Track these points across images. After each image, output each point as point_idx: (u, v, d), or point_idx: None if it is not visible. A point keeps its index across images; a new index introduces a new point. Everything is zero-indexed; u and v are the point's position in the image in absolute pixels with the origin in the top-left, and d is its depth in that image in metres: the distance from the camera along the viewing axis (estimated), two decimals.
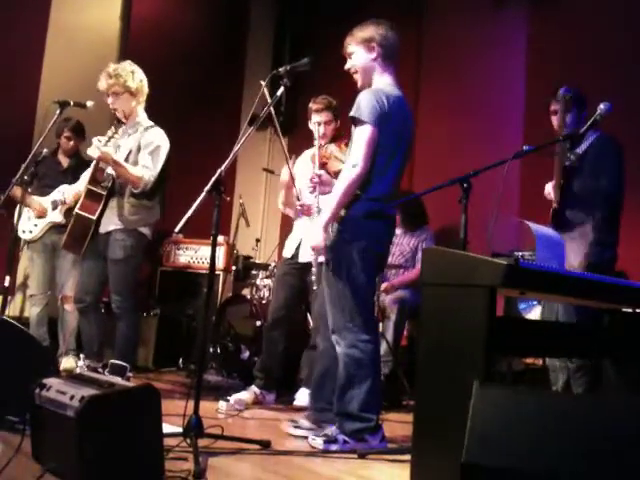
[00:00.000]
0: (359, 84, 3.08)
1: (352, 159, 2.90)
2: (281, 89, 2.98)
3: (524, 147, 2.56)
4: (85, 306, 3.88)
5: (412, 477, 2.18)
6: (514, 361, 3.98)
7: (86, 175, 4.03)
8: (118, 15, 6.12)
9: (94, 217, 3.82)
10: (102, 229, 3.85)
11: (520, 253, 3.33)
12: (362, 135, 2.89)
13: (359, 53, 3.03)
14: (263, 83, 3.19)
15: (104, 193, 3.85)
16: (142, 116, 3.99)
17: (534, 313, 3.83)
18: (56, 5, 5.77)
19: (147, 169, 3.80)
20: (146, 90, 3.98)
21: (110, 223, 3.83)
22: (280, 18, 7.00)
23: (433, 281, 2.16)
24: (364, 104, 2.90)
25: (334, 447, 2.81)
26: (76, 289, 4.03)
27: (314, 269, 3.43)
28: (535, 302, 3.81)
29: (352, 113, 2.92)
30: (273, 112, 3.57)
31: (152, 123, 3.94)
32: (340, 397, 2.90)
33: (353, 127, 2.96)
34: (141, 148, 3.85)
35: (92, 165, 3.89)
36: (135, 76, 3.92)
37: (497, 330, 2.04)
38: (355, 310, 2.88)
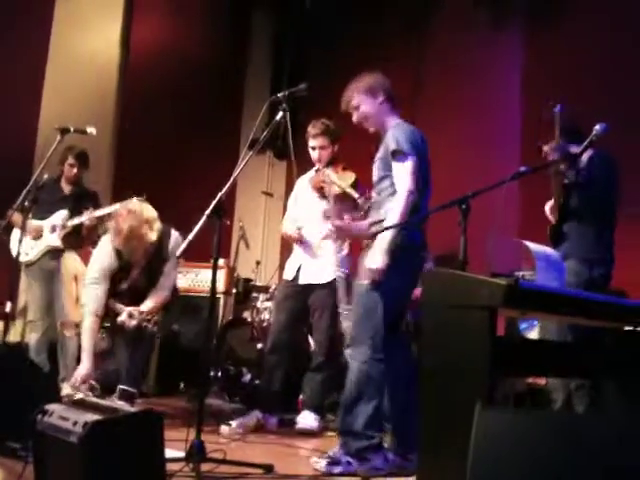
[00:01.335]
0: (372, 130, 3.19)
1: (404, 187, 2.96)
2: (280, 114, 3.02)
3: (521, 168, 2.58)
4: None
5: None
6: (516, 382, 3.96)
7: None
8: (118, 41, 6.18)
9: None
10: None
11: (521, 273, 3.34)
12: (407, 167, 2.98)
13: (366, 101, 3.14)
14: (263, 109, 3.24)
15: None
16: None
17: (535, 333, 3.83)
18: (56, 31, 5.83)
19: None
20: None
21: None
22: (278, 41, 7.08)
23: (434, 302, 2.17)
24: (402, 137, 3.01)
25: (337, 469, 2.80)
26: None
27: (340, 287, 3.50)
28: (536, 322, 3.80)
29: (393, 147, 3.01)
30: (290, 138, 3.66)
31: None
32: (346, 414, 2.90)
33: (392, 160, 3.03)
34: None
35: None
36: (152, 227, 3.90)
37: (498, 351, 2.04)
38: (379, 329, 2.93)
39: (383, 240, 2.96)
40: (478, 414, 1.74)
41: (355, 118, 3.18)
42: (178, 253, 2.86)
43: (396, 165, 3.03)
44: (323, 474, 2.79)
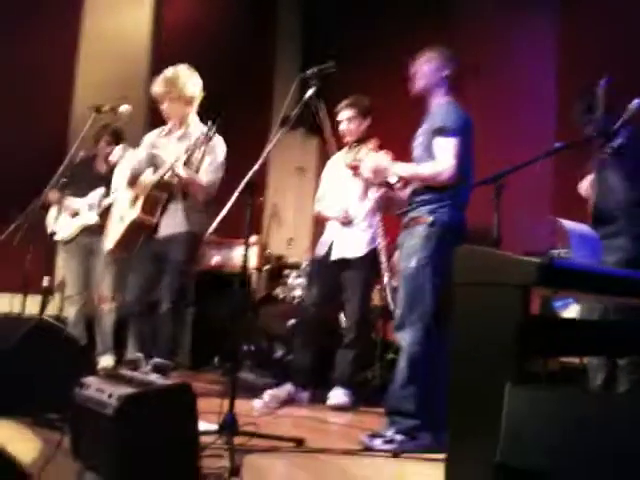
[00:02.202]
0: (414, 91, 3.19)
1: (444, 162, 2.97)
2: (310, 90, 3.01)
3: (556, 144, 2.53)
4: (145, 307, 3.96)
5: (446, 477, 2.18)
6: (549, 360, 3.93)
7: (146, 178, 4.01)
8: (148, 21, 6.21)
9: (155, 220, 3.90)
10: (161, 233, 3.92)
11: (555, 251, 3.29)
12: (451, 145, 2.98)
13: (432, 65, 3.16)
14: (293, 86, 3.23)
15: (164, 197, 3.91)
16: (195, 121, 4.04)
17: (570, 311, 3.78)
18: (88, 12, 5.88)
19: (210, 179, 3.88)
20: (200, 95, 4.02)
21: (169, 227, 3.90)
22: (308, 19, 7.03)
23: (465, 280, 2.15)
24: (451, 117, 3.03)
25: (377, 442, 2.81)
26: (134, 292, 4.06)
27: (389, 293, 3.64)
28: (571, 300, 3.75)
29: (439, 124, 3.01)
30: (323, 112, 3.64)
31: (205, 129, 3.82)
32: (396, 394, 2.92)
33: (436, 136, 3.03)
34: (204, 156, 3.87)
35: (159, 172, 3.89)
36: (192, 82, 3.98)
37: (531, 330, 2.03)
38: (427, 311, 2.93)
39: (404, 168, 3.10)
40: (508, 393, 1.73)
41: (413, 87, 3.18)
42: (210, 230, 2.88)
43: (439, 140, 3.00)
44: (362, 445, 2.81)
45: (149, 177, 3.96)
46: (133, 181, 4.07)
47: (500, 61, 5.21)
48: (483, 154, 3.17)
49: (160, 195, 3.90)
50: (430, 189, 3.05)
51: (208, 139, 3.66)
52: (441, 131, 3.01)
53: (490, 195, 2.50)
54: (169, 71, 3.99)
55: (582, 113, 3.20)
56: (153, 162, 4.00)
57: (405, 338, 2.97)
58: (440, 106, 3.11)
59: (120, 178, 4.33)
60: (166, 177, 3.86)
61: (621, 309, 3.07)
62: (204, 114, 3.73)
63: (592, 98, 3.13)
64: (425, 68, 3.17)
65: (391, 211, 3.62)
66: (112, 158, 4.53)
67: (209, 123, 3.63)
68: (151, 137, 4.11)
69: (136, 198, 3.96)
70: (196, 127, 3.99)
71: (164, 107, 4.00)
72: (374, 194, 3.74)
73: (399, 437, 2.82)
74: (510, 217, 2.64)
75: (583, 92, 3.24)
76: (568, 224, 2.32)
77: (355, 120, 4.04)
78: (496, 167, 2.57)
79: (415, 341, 2.93)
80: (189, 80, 3.98)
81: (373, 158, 3.29)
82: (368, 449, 2.81)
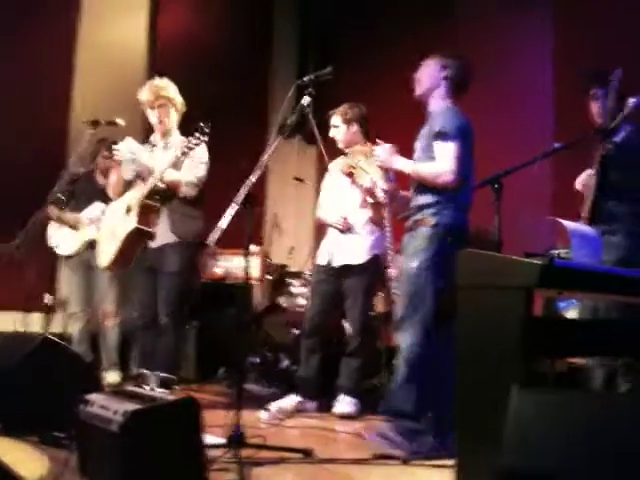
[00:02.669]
0: (416, 94, 3.22)
1: (444, 165, 2.99)
2: (306, 98, 3.02)
3: (555, 145, 2.53)
4: (148, 321, 3.94)
5: None
6: (556, 362, 3.91)
7: (135, 191, 4.00)
8: (145, 28, 6.23)
9: (152, 229, 3.87)
10: (154, 243, 3.90)
11: (556, 251, 3.29)
12: (450, 149, 3.00)
13: (431, 67, 3.18)
14: (289, 94, 3.23)
15: (159, 205, 3.90)
16: (176, 132, 4.09)
17: (574, 312, 3.76)
18: (84, 23, 5.89)
19: (195, 175, 3.90)
20: (184, 109, 4.08)
21: (162, 236, 3.88)
22: (304, 25, 7.04)
23: (468, 283, 2.15)
24: (450, 121, 3.04)
25: (382, 440, 2.82)
26: (136, 307, 4.07)
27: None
28: (575, 301, 3.74)
29: (437, 129, 3.03)
30: (314, 124, 3.66)
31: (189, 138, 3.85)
32: (395, 395, 2.92)
33: (435, 140, 3.05)
34: (185, 160, 3.87)
35: (150, 181, 3.87)
36: (177, 92, 4.05)
37: (535, 331, 2.02)
38: (427, 311, 2.94)
39: (406, 163, 3.12)
40: (514, 396, 1.72)
41: (416, 91, 3.21)
42: (211, 242, 2.88)
43: (438, 145, 3.02)
44: (368, 442, 2.82)
45: (139, 188, 3.96)
46: (123, 190, 4.07)
47: (497, 61, 5.21)
48: (481, 155, 3.18)
49: (153, 204, 3.89)
50: (432, 192, 3.06)
51: (191, 147, 3.66)
52: (440, 135, 3.02)
53: (490, 196, 2.50)
54: (158, 80, 4.07)
55: (591, 81, 3.20)
56: (139, 174, 3.98)
57: (405, 339, 2.98)
58: (440, 110, 3.13)
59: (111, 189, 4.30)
60: (156, 186, 3.86)
61: (615, 307, 3.06)
62: (194, 122, 3.73)
63: (604, 84, 3.11)
64: (425, 71, 3.20)
65: (396, 211, 3.62)
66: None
67: (196, 132, 3.63)
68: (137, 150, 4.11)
69: (128, 210, 3.96)
70: (177, 137, 4.04)
71: (154, 114, 4.02)
72: (384, 189, 3.68)
73: (399, 439, 2.82)
74: (510, 218, 2.64)
75: (598, 73, 3.22)
76: (569, 224, 2.32)
77: (341, 127, 4.06)
78: (494, 168, 2.57)
79: (415, 342, 2.93)
80: (176, 89, 4.06)
81: (381, 149, 3.27)
82: (376, 456, 2.79)
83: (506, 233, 2.47)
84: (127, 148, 3.91)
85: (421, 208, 3.09)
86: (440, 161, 3.01)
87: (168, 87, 4.03)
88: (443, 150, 3.01)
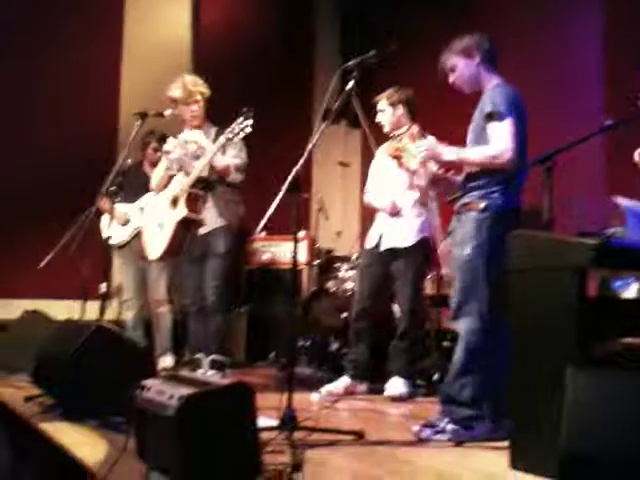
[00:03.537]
0: (468, 91, 3.11)
1: (501, 144, 2.88)
2: (351, 83, 3.00)
3: (607, 121, 2.45)
4: (200, 307, 4.10)
5: (511, 464, 2.15)
6: (612, 342, 3.82)
7: (181, 180, 4.11)
8: (188, 22, 6.29)
9: (199, 217, 4.01)
10: (202, 230, 4.05)
11: (611, 230, 3.20)
12: (505, 126, 2.89)
13: (462, 62, 3.07)
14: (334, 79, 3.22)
15: (203, 194, 4.02)
16: (208, 122, 4.25)
17: (631, 291, 3.67)
18: (128, 17, 5.99)
19: (242, 159, 4.06)
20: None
21: (210, 223, 4.05)
22: (346, 8, 6.99)
23: (521, 266, 2.12)
24: (500, 99, 2.93)
25: (429, 433, 2.80)
26: (189, 294, 4.22)
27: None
28: (632, 279, 3.64)
29: (488, 109, 2.93)
30: (360, 108, 3.62)
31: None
32: (453, 383, 2.89)
33: (488, 122, 2.94)
34: (226, 147, 4.00)
35: (196, 168, 3.99)
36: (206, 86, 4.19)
37: (590, 312, 1.98)
38: (483, 299, 2.88)
39: (457, 153, 3.00)
40: (570, 377, 1.70)
41: (451, 79, 3.11)
42: (258, 230, 2.93)
43: (492, 125, 2.91)
44: (415, 436, 2.79)
45: (183, 178, 4.05)
46: (166, 183, 4.17)
47: (546, 36, 5.08)
48: (530, 133, 3.09)
49: (199, 192, 4.00)
50: (483, 173, 2.96)
51: (237, 133, 3.75)
52: (492, 116, 2.92)
53: (540, 175, 2.44)
54: (186, 77, 4.22)
55: None
56: (181, 164, 4.09)
57: (462, 327, 2.93)
58: (489, 90, 3.03)
59: (155, 181, 4.39)
60: (203, 174, 3.96)
61: None
62: (239, 111, 3.80)
63: None
64: (458, 71, 3.08)
65: (445, 192, 3.52)
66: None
67: (240, 118, 3.75)
68: (174, 141, 4.19)
69: (175, 201, 4.03)
70: (211, 127, 4.19)
71: (188, 109, 4.14)
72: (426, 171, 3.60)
73: (451, 427, 2.79)
74: (562, 197, 2.58)
75: None
76: (625, 202, 2.25)
77: (386, 111, 4.03)
78: (544, 144, 2.50)
79: (472, 330, 2.88)
80: (204, 84, 4.21)
81: (426, 143, 3.17)
82: (415, 437, 2.79)
83: (558, 213, 2.42)
84: (174, 143, 4.02)
85: (470, 190, 3.00)
86: (496, 142, 2.90)
87: (199, 83, 4.18)
88: (498, 131, 2.90)
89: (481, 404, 2.83)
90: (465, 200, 3.01)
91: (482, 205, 2.93)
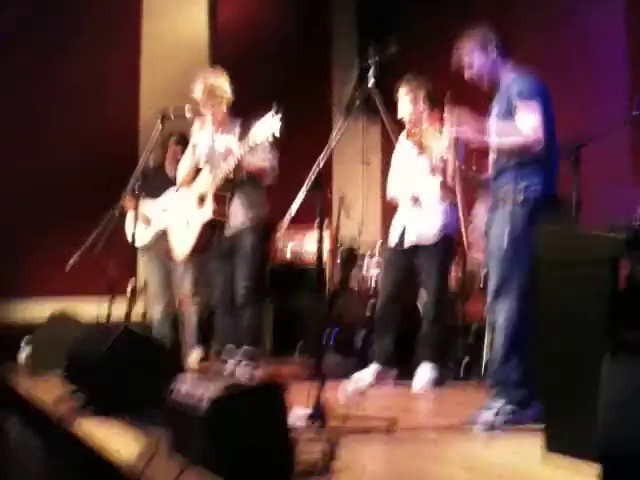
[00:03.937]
0: (486, 87, 3.08)
1: (530, 125, 2.84)
2: (370, 79, 2.99)
3: (634, 112, 2.43)
4: (228, 304, 4.13)
5: (546, 447, 2.16)
6: None
7: (208, 178, 4.12)
8: (205, 19, 6.31)
9: (227, 217, 4.05)
10: (230, 229, 4.07)
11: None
12: (533, 106, 2.85)
13: (479, 58, 3.03)
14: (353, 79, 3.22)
15: (230, 192, 4.03)
16: (229, 119, 4.21)
17: None
18: (146, 16, 6.03)
19: (273, 160, 4.07)
20: (232, 98, 4.19)
21: (238, 221, 4.06)
22: (363, 2, 6.95)
23: (551, 261, 2.11)
24: (526, 86, 2.90)
25: (495, 417, 2.77)
26: (217, 292, 4.24)
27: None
28: None
29: (515, 97, 2.90)
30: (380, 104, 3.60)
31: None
32: (499, 368, 2.88)
33: (517, 101, 2.91)
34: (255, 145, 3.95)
35: (224, 167, 4.00)
36: (229, 84, 4.15)
37: (622, 301, 1.98)
38: (521, 290, 2.86)
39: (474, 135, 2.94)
40: (606, 366, 1.69)
41: (467, 75, 3.07)
42: (281, 229, 2.94)
43: (521, 103, 2.86)
44: (471, 420, 2.76)
45: (209, 177, 4.07)
46: (190, 180, 4.19)
47: (569, 23, 5.02)
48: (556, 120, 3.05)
49: (226, 190, 4.01)
50: (516, 164, 2.91)
51: (267, 136, 3.74)
52: (521, 95, 2.89)
53: (567, 164, 2.42)
54: (211, 77, 4.15)
55: None
56: (207, 160, 4.12)
57: (499, 311, 2.91)
58: (512, 80, 2.99)
59: (180, 177, 4.41)
60: (229, 172, 3.97)
61: None
62: (261, 107, 3.79)
63: None
64: (477, 67, 3.04)
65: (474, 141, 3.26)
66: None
67: (271, 114, 3.71)
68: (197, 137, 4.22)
69: (201, 199, 4.06)
70: (232, 125, 4.14)
71: (210, 110, 4.12)
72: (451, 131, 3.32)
73: (509, 407, 2.76)
74: (588, 185, 2.56)
75: None
76: None
77: (405, 102, 4.01)
78: (569, 131, 2.47)
79: (510, 314, 2.86)
80: (228, 82, 4.16)
81: (450, 115, 3.05)
82: (469, 423, 2.75)
83: (585, 202, 2.41)
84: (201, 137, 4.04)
85: (505, 182, 2.95)
86: (523, 118, 2.85)
87: (222, 85, 4.13)
88: (526, 107, 2.85)
89: (529, 385, 2.82)
90: (500, 194, 2.97)
91: (518, 198, 2.89)
